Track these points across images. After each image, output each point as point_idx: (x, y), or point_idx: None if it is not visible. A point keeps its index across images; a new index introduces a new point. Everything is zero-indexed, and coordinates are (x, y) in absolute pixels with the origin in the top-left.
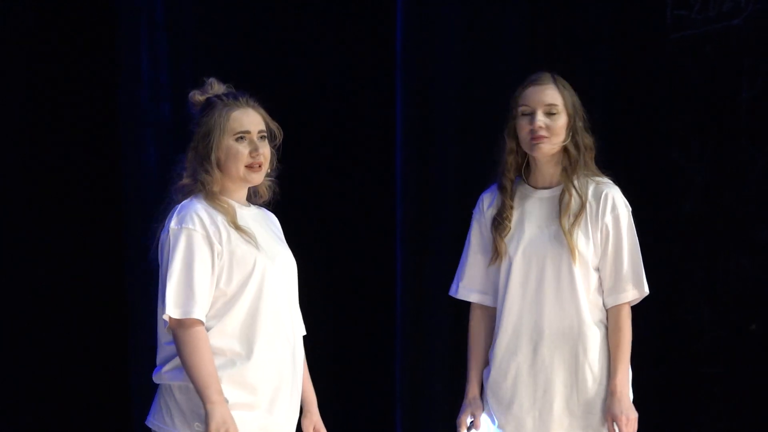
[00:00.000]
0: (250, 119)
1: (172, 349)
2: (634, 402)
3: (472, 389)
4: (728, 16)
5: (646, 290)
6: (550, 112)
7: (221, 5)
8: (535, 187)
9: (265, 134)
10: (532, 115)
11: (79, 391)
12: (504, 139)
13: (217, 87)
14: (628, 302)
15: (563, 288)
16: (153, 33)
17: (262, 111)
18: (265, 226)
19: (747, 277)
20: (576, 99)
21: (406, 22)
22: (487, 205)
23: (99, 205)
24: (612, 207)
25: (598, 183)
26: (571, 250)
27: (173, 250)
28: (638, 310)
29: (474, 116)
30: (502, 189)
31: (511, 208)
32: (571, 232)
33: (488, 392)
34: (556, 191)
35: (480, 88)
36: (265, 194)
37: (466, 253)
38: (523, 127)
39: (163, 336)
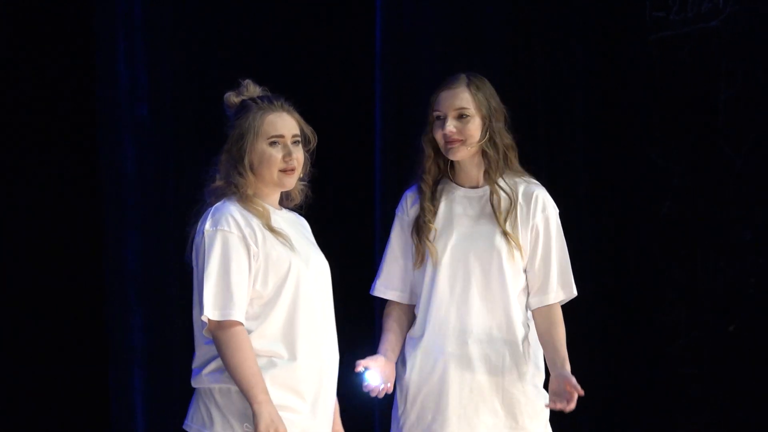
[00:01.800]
0: (285, 123)
1: (210, 350)
2: (614, 402)
3: (382, 350)
4: (706, 17)
5: (575, 291)
6: (462, 116)
7: (198, 5)
8: (462, 186)
9: (299, 139)
10: (443, 119)
11: (57, 394)
12: (421, 145)
13: (252, 89)
14: (558, 302)
15: (493, 287)
16: (130, 33)
17: (297, 115)
18: (298, 230)
19: (725, 278)
20: (494, 99)
21: (385, 22)
22: (411, 203)
23: (77, 206)
24: (543, 207)
25: (528, 183)
26: (498, 251)
27: (209, 252)
28: (617, 311)
29: None
30: (421, 193)
31: (431, 211)
32: (505, 232)
33: (406, 390)
34: (482, 191)
35: None
36: (297, 198)
37: (386, 250)
38: (436, 132)
39: (201, 338)
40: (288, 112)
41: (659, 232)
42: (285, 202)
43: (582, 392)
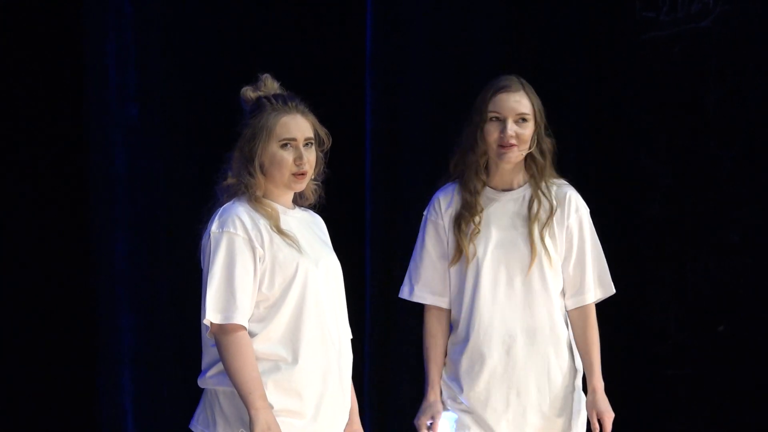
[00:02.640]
0: (298, 126)
1: (215, 353)
2: None
3: (434, 392)
4: (696, 18)
5: (613, 289)
6: (522, 120)
7: (189, 5)
8: (495, 189)
9: (312, 141)
10: (502, 122)
11: (46, 394)
12: (476, 142)
13: (270, 84)
14: (594, 302)
15: (534, 289)
16: (120, 33)
17: (312, 117)
18: (310, 229)
19: (714, 278)
20: (540, 104)
21: (375, 25)
22: (445, 206)
23: (67, 206)
24: (576, 208)
25: (558, 185)
26: (539, 255)
27: (214, 254)
28: (606, 312)
29: (444, 119)
30: (471, 191)
31: (482, 210)
32: (542, 236)
33: (453, 394)
34: (518, 194)
35: (450, 91)
36: (311, 197)
37: (420, 255)
38: (491, 133)
39: (207, 340)
40: (302, 113)
41: (648, 233)
42: (299, 201)
43: (612, 416)
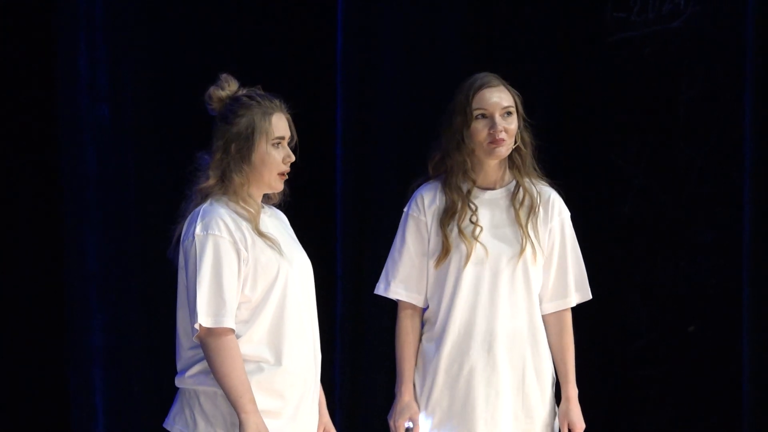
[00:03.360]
0: (285, 125)
1: (195, 354)
2: None
3: (408, 392)
4: (667, 18)
5: (589, 294)
6: (508, 113)
7: (160, 6)
8: (479, 188)
9: (291, 140)
10: (490, 118)
11: (16, 394)
12: (462, 141)
13: (232, 83)
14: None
15: (517, 289)
16: (91, 33)
17: (288, 115)
18: (281, 228)
19: (685, 278)
20: (519, 96)
21: (346, 26)
22: (428, 203)
23: (37, 206)
24: (558, 211)
25: (542, 186)
26: (526, 245)
27: (201, 257)
28: (576, 312)
29: (415, 118)
30: (460, 191)
31: (476, 209)
32: (528, 226)
33: (429, 395)
34: (501, 192)
35: (421, 91)
36: (276, 197)
37: (399, 251)
38: (479, 131)
39: (186, 342)
40: (284, 112)
41: (619, 232)
42: (264, 199)
43: (583, 427)
